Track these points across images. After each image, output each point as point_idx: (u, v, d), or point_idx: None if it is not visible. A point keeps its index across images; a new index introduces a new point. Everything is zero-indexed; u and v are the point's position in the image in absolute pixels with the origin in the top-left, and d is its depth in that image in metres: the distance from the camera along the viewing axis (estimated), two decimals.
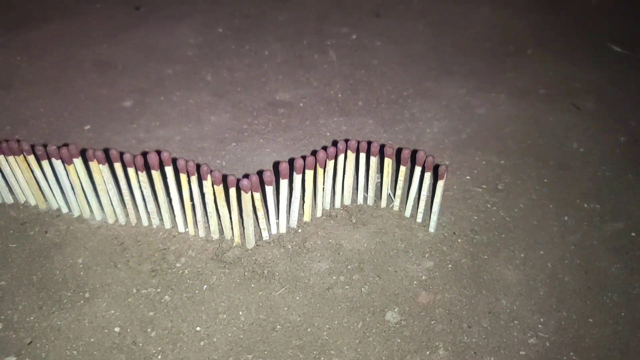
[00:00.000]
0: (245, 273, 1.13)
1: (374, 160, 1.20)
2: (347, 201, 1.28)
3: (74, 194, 1.20)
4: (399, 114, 1.62)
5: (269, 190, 1.11)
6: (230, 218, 1.14)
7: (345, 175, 1.22)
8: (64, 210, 1.26)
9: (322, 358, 0.98)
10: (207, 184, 1.09)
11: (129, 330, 1.02)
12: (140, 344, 1.00)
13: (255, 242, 1.19)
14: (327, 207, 1.27)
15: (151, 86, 1.75)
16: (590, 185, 1.37)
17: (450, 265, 1.15)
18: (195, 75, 1.81)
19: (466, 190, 1.34)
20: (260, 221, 1.16)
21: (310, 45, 1.99)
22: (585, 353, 1.00)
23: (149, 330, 1.02)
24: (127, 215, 1.23)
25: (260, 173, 1.25)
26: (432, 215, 1.20)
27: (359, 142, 1.18)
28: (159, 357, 0.98)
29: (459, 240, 1.21)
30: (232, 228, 1.16)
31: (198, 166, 1.09)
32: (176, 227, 1.21)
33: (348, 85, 1.76)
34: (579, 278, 1.13)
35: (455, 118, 1.61)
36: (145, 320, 1.04)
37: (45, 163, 1.17)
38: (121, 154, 1.11)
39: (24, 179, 1.22)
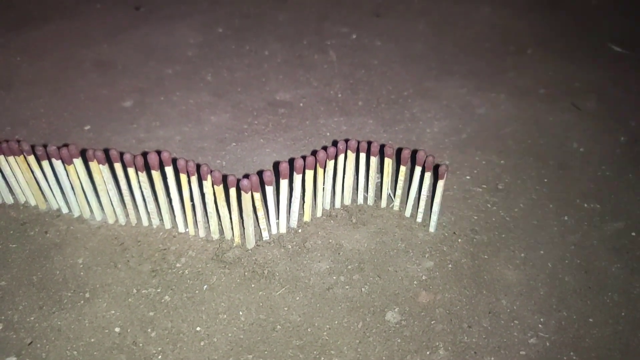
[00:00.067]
0: (246, 273, 1.13)
1: (374, 160, 1.19)
2: (347, 201, 1.28)
3: (74, 194, 1.20)
4: (399, 114, 1.62)
5: (269, 190, 1.11)
6: (231, 218, 1.14)
7: (346, 175, 1.22)
8: (64, 210, 1.26)
9: (323, 358, 0.98)
10: (207, 184, 1.08)
11: (129, 330, 1.02)
12: (141, 344, 1.00)
13: (256, 242, 1.19)
14: (327, 207, 1.27)
15: (151, 86, 1.75)
16: (590, 185, 1.37)
17: (450, 265, 1.15)
18: (195, 75, 1.81)
19: (466, 190, 1.34)
20: (260, 221, 1.16)
21: (310, 45, 1.99)
22: (585, 353, 1.00)
23: (149, 330, 1.02)
24: (127, 215, 1.23)
25: (260, 173, 1.24)
26: (432, 215, 1.20)
27: (359, 142, 1.18)
28: (159, 357, 0.98)
29: (459, 240, 1.21)
30: (232, 228, 1.16)
31: (198, 166, 1.09)
32: (176, 227, 1.21)
33: (348, 85, 1.76)
34: (579, 278, 1.13)
35: (456, 118, 1.61)
36: (145, 321, 1.04)
37: (45, 163, 1.17)
38: (121, 154, 1.10)
39: (24, 179, 1.22)
